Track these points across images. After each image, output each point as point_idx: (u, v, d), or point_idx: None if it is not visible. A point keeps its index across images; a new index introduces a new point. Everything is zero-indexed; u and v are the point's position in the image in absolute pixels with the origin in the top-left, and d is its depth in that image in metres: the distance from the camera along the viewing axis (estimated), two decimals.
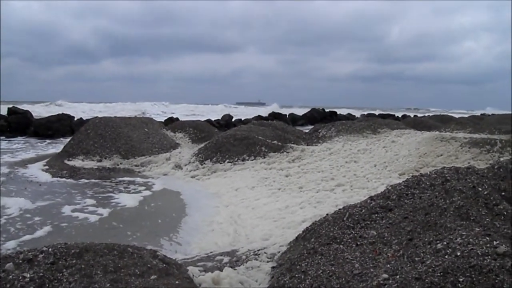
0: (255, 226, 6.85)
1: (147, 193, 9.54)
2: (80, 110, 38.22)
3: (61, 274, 3.41)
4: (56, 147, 17.64)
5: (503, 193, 4.18)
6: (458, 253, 3.08)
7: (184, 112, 47.64)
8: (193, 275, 4.14)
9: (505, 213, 3.81)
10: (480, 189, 4.17)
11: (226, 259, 5.28)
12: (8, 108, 24.19)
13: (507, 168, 4.66)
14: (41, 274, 3.35)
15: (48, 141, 20.42)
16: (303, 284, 3.65)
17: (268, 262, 4.81)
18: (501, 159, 7.94)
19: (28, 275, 3.30)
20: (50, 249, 3.65)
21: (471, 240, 3.22)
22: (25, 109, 25.19)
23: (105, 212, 7.83)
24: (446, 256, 3.12)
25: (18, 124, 23.06)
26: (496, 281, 2.71)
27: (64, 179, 10.81)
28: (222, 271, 4.44)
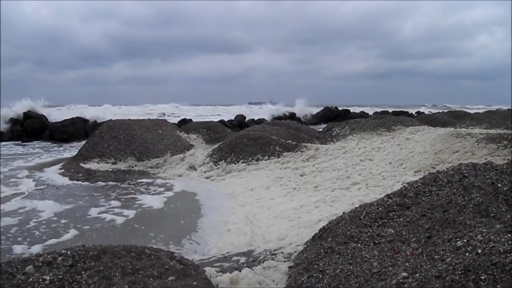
0: (270, 226, 6.84)
1: (169, 194, 9.67)
2: (96, 114, 38.53)
3: (80, 276, 3.43)
4: (71, 150, 17.83)
5: None
6: (479, 251, 3.03)
7: (197, 113, 47.78)
8: (210, 276, 4.14)
9: None
10: (499, 185, 4.10)
11: (242, 259, 5.28)
12: (24, 113, 24.48)
13: None
14: (60, 276, 3.37)
15: (63, 145, 20.64)
16: (321, 284, 3.62)
17: (285, 262, 4.80)
18: None
19: (48, 278, 3.33)
20: (69, 252, 3.68)
21: (492, 237, 3.17)
22: (41, 113, 25.47)
23: (131, 213, 7.94)
24: (467, 254, 3.07)
25: (34, 129, 23.34)
26: None
27: (80, 182, 10.91)
28: (240, 271, 4.44)
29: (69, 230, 6.95)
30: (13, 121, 23.74)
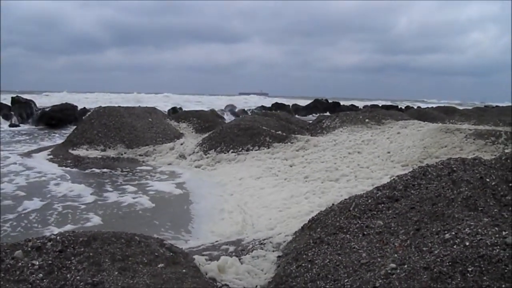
0: (260, 216, 6.88)
1: (178, 180, 9.91)
2: (86, 100, 38.27)
3: (69, 262, 3.43)
4: (59, 136, 17.69)
5: (510, 184, 4.16)
6: (467, 243, 3.08)
7: (188, 102, 47.54)
8: (199, 264, 4.16)
9: None
10: (487, 180, 4.15)
11: (231, 248, 5.30)
12: (12, 98, 24.20)
13: None
14: (49, 261, 3.37)
15: (51, 130, 20.46)
16: (310, 273, 3.65)
17: (274, 251, 4.83)
18: (506, 150, 7.92)
19: (37, 263, 3.32)
20: (58, 237, 3.67)
21: (479, 230, 3.22)
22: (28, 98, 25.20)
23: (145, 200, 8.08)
24: (455, 246, 3.12)
25: (22, 114, 23.10)
26: (506, 271, 2.70)
27: (69, 168, 10.83)
28: (228, 260, 4.46)
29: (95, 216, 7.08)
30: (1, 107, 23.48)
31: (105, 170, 10.78)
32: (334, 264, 3.63)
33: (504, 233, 3.10)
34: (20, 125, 22.07)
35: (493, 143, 9.19)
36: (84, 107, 25.38)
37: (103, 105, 17.96)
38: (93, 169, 10.84)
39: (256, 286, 4.01)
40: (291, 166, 10.04)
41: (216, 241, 5.80)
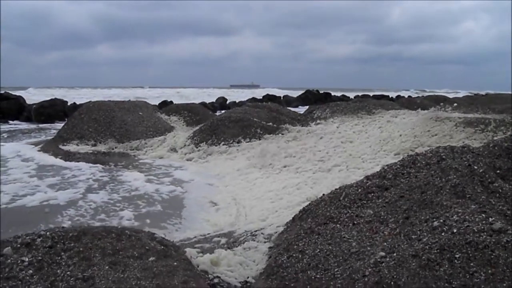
0: (253, 207, 6.90)
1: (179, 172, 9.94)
2: (77, 96, 38.01)
3: (59, 258, 3.42)
4: (49, 132, 17.56)
5: (498, 171, 4.20)
6: (455, 230, 3.11)
7: (179, 95, 47.38)
8: (191, 257, 4.16)
9: (500, 190, 3.84)
10: (475, 167, 4.19)
11: (223, 240, 5.31)
12: (0, 94, 23.98)
13: (502, 146, 4.68)
14: (39, 257, 3.35)
15: (41, 126, 20.30)
16: (300, 264, 3.68)
17: (265, 242, 4.84)
18: (495, 138, 7.98)
19: (27, 259, 3.31)
20: (48, 233, 3.65)
21: (467, 217, 3.25)
22: (18, 94, 24.98)
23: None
24: (443, 234, 3.15)
25: (11, 110, 22.88)
26: (492, 256, 2.74)
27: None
28: (220, 252, 4.47)
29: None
30: None
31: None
32: (325, 253, 3.65)
33: (491, 219, 3.13)
34: (9, 121, 21.86)
35: (482, 131, 9.24)
36: (74, 102, 25.20)
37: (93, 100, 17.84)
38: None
39: (248, 277, 4.03)
40: (282, 158, 10.05)
41: (208, 233, 5.80)
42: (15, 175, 9.11)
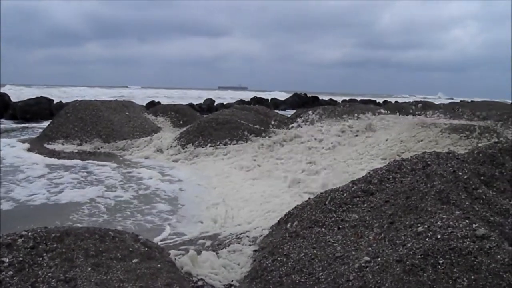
0: (240, 209, 6.88)
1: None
2: (64, 95, 37.60)
3: (41, 259, 3.37)
4: (34, 131, 17.34)
5: (482, 178, 4.25)
6: (439, 236, 3.13)
7: (166, 95, 47.16)
8: (175, 259, 4.13)
9: (484, 196, 3.87)
10: (460, 173, 4.22)
11: (208, 242, 5.29)
12: None
13: (486, 153, 4.73)
14: (20, 258, 3.30)
15: (26, 124, 20.03)
16: (285, 267, 3.67)
17: (250, 245, 4.83)
18: (480, 144, 8.06)
19: (7, 260, 3.25)
20: (29, 233, 3.59)
21: (451, 223, 3.27)
22: (4, 92, 24.64)
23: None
24: (427, 239, 3.16)
25: None
26: (475, 262, 2.76)
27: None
28: (204, 255, 4.45)
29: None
30: None
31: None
32: (309, 257, 3.65)
33: (474, 225, 3.15)
34: None
35: (467, 137, 9.34)
36: (60, 101, 24.92)
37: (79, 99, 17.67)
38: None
39: (232, 280, 4.01)
40: (269, 160, 10.05)
41: (194, 236, 5.77)
42: None
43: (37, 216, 6.57)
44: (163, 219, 6.68)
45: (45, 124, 17.00)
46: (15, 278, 3.10)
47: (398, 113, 15.25)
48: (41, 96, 24.11)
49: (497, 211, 3.70)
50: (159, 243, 4.79)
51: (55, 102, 24.30)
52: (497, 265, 2.75)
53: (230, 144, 11.62)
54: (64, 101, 24.25)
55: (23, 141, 13.63)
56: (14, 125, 19.62)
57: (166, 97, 43.22)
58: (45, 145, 12.78)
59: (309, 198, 5.19)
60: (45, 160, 10.86)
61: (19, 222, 5.80)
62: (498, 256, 2.81)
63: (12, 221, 6.08)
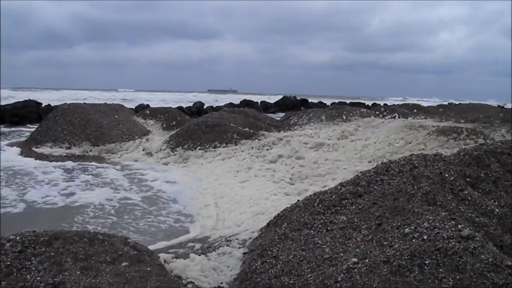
0: (231, 211, 6.91)
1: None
2: (53, 98, 37.33)
3: (29, 263, 3.36)
4: (22, 134, 17.20)
5: (468, 179, 4.31)
6: (425, 237, 3.17)
7: (156, 98, 47.04)
8: (164, 262, 4.14)
9: (469, 198, 3.93)
10: (446, 175, 4.28)
11: (197, 245, 5.29)
12: None
13: (472, 155, 4.79)
14: (8, 263, 3.29)
15: (13, 128, 19.86)
16: (274, 269, 3.69)
17: (239, 248, 4.84)
18: (467, 146, 8.17)
19: None
20: (18, 237, 3.58)
21: (437, 224, 3.32)
22: None
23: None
24: (414, 240, 3.21)
25: None
26: (460, 262, 2.80)
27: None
28: (193, 257, 4.46)
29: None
30: None
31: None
32: (298, 259, 3.68)
33: (459, 226, 3.20)
34: None
35: (455, 140, 9.46)
36: (49, 104, 24.74)
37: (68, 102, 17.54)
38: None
39: (222, 283, 4.03)
40: (258, 163, 10.08)
41: (183, 239, 5.78)
42: None
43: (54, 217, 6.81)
44: (151, 222, 6.68)
45: (33, 127, 16.85)
46: (3, 282, 3.09)
47: (386, 115, 15.37)
48: (29, 99, 23.92)
49: (482, 212, 3.76)
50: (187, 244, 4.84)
51: (43, 105, 24.11)
52: (481, 265, 2.80)
53: (219, 147, 11.63)
54: (52, 104, 24.07)
55: (11, 145, 13.51)
56: (2, 129, 19.42)
57: (155, 100, 43.13)
58: (33, 148, 12.68)
59: (298, 200, 5.22)
60: (44, 163, 10.85)
61: (27, 225, 5.77)
62: (483, 256, 2.86)
63: (20, 224, 6.13)
